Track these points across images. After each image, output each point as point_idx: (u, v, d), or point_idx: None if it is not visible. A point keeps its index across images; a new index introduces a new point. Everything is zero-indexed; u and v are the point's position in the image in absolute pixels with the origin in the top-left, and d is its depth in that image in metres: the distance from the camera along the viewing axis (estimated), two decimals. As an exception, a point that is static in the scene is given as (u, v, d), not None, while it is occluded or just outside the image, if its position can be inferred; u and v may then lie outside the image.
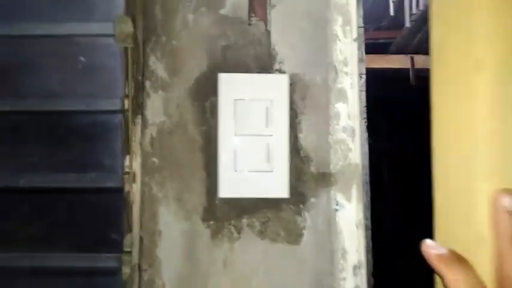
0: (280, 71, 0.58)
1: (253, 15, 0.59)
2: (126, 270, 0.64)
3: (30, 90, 0.69)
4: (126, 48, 0.65)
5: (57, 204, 0.68)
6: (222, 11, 0.59)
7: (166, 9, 0.60)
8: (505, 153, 0.30)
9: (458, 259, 0.31)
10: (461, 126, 0.32)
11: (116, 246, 0.66)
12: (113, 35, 0.65)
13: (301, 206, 0.57)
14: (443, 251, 0.31)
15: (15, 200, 0.69)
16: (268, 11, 0.59)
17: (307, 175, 0.57)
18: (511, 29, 0.31)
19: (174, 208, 0.57)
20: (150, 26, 0.60)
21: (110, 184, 0.67)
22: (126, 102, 0.65)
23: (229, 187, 0.56)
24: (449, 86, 0.33)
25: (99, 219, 0.67)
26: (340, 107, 0.57)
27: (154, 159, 0.58)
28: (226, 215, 0.57)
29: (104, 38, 0.67)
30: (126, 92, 0.65)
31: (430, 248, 0.32)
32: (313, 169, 0.57)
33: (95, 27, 0.68)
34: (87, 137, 0.68)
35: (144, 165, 0.58)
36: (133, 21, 0.64)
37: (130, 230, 0.65)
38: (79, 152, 0.68)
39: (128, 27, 0.64)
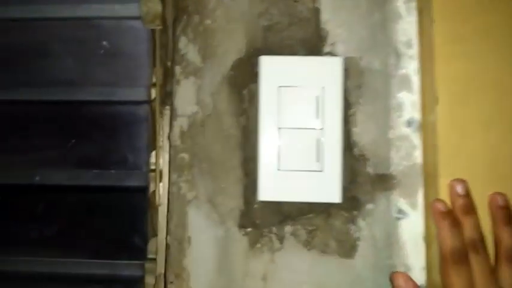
0: (332, 54, 0.50)
1: (300, -10, 0.51)
2: (149, 280, 0.57)
3: (46, 78, 0.62)
4: (153, 31, 0.58)
5: (75, 204, 0.62)
6: (264, -14, 0.51)
7: (200, -16, 0.52)
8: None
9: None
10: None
11: (138, 253, 0.59)
12: (139, 17, 0.58)
13: (355, 212, 0.48)
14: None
15: (30, 199, 0.62)
16: (317, -15, 0.51)
17: (363, 176, 0.48)
18: (460, 74, 0.45)
19: (206, 211, 0.49)
20: (181, 4, 0.53)
21: (134, 183, 0.59)
22: (153, 91, 0.57)
23: (270, 189, 0.48)
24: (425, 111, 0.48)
25: (121, 221, 0.60)
26: (403, 96, 0.49)
27: (184, 155, 0.50)
28: (267, 221, 0.49)
29: (128, 20, 0.60)
30: (154, 80, 0.58)
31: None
32: (370, 170, 0.48)
33: (118, 9, 0.61)
34: (109, 130, 0.61)
35: (172, 162, 0.51)
36: (164, 1, 0.57)
37: (155, 234, 0.57)
38: (100, 146, 0.61)
39: (156, 6, 0.56)
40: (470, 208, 0.42)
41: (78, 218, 0.61)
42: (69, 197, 0.61)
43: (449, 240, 0.41)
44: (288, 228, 0.49)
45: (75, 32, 0.62)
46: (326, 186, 0.47)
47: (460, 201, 0.42)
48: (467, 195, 0.43)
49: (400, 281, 0.43)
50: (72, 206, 0.61)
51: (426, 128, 0.48)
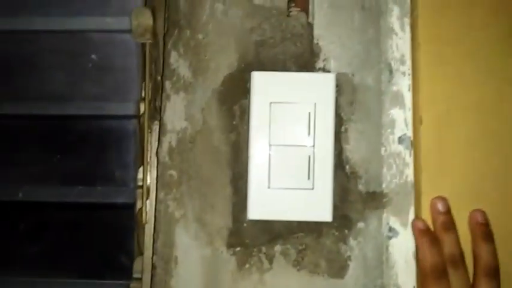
0: (325, 70, 0.49)
1: (293, 5, 0.50)
2: (135, 300, 0.55)
3: (32, 91, 0.61)
4: (144, 45, 0.57)
5: (59, 221, 0.60)
6: (257, 1, 0.51)
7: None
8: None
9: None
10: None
11: (124, 272, 0.57)
12: (129, 30, 0.57)
13: (346, 231, 0.47)
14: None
15: (13, 216, 0.60)
16: (310, 0, 0.50)
17: (354, 194, 0.47)
18: (443, 95, 0.46)
19: (194, 230, 0.48)
20: (172, 18, 0.52)
21: (121, 199, 0.58)
22: (142, 106, 0.56)
23: (260, 207, 0.46)
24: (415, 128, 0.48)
25: (107, 240, 0.59)
26: (395, 113, 0.48)
27: (172, 172, 0.49)
28: (256, 240, 0.47)
29: (118, 34, 0.59)
30: (143, 94, 0.57)
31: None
32: (361, 187, 0.47)
33: (108, 22, 0.60)
34: (96, 145, 0.60)
35: (160, 179, 0.49)
36: (153, 13, 0.56)
37: (141, 253, 0.55)
38: (86, 162, 0.60)
39: (146, 20, 0.56)
40: (450, 225, 0.44)
41: (63, 236, 0.60)
42: (53, 214, 0.60)
43: (429, 256, 0.42)
44: (277, 248, 0.47)
45: (64, 44, 0.61)
46: (317, 205, 0.46)
47: (440, 219, 0.44)
48: (448, 212, 0.44)
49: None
50: (56, 224, 0.60)
51: (416, 145, 0.47)
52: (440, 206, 0.44)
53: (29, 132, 0.61)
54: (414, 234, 0.45)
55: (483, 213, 0.44)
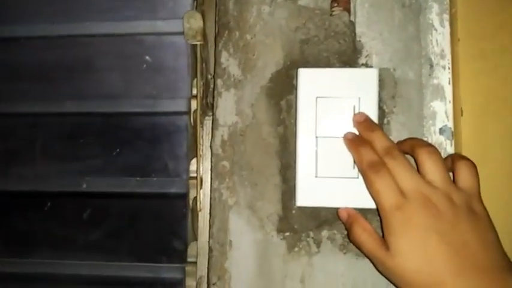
0: (367, 66, 0.52)
1: (336, 5, 0.53)
2: (190, 282, 0.59)
3: (92, 91, 0.67)
4: (194, 46, 0.62)
5: (119, 210, 0.65)
6: (301, 2, 0.54)
7: (240, 1, 0.55)
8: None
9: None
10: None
11: (179, 256, 0.62)
12: (180, 33, 0.62)
13: (390, 218, 0.50)
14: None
15: (77, 205, 0.66)
16: (352, 0, 0.53)
17: (397, 183, 0.50)
18: (483, 88, 0.49)
19: (246, 216, 0.52)
20: (222, 20, 0.56)
21: (174, 190, 0.63)
22: (194, 102, 0.61)
23: (308, 195, 0.50)
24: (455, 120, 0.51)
25: (162, 226, 0.63)
26: (436, 105, 0.50)
27: (225, 163, 0.53)
28: (304, 225, 0.51)
29: (170, 36, 0.64)
30: (194, 92, 0.62)
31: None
32: (404, 176, 0.50)
33: (161, 25, 0.65)
34: (150, 140, 0.64)
35: (213, 170, 0.53)
36: (203, 16, 0.60)
37: (195, 238, 0.60)
38: (142, 155, 0.64)
39: (197, 23, 0.60)
40: (373, 126, 0.46)
41: (122, 223, 0.65)
42: (113, 203, 0.65)
43: (363, 155, 0.44)
44: (324, 233, 0.51)
45: (119, 47, 0.66)
46: (361, 192, 0.48)
47: (362, 125, 0.47)
48: (367, 119, 0.47)
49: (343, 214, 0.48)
50: (116, 212, 0.65)
51: (457, 135, 0.49)
52: (358, 118, 0.48)
53: (89, 129, 0.66)
54: (347, 147, 0.47)
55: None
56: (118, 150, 0.65)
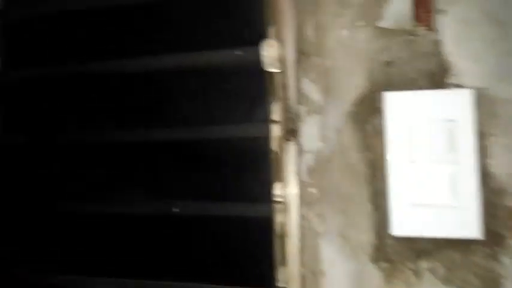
0: (458, 86, 0.49)
1: (419, 24, 0.51)
2: (279, 309, 0.59)
3: (174, 119, 0.69)
4: (274, 73, 0.62)
5: (205, 233, 0.66)
6: (381, 23, 0.53)
7: (318, 27, 0.55)
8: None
9: None
10: None
11: (266, 280, 0.62)
12: (259, 61, 0.62)
13: (496, 249, 0.47)
14: None
15: (167, 227, 0.68)
16: (436, 18, 0.51)
17: (502, 210, 0.47)
18: None
19: (337, 245, 0.51)
20: (301, 47, 0.56)
21: (259, 214, 0.63)
22: (275, 128, 0.61)
23: (404, 224, 0.48)
24: None
25: (248, 250, 0.64)
26: (542, 124, 0.47)
27: (313, 190, 0.53)
28: (401, 256, 0.49)
29: (250, 64, 0.64)
30: (275, 117, 0.62)
31: None
32: (510, 203, 0.47)
33: (239, 54, 0.66)
34: (234, 165, 0.65)
35: (301, 197, 0.53)
36: (282, 44, 0.60)
37: (283, 264, 0.59)
38: (227, 180, 0.65)
39: (275, 51, 0.60)
40: None
41: (209, 246, 0.66)
42: (200, 226, 0.66)
43: None
44: (424, 264, 0.48)
45: (199, 77, 0.68)
46: (463, 222, 0.46)
47: None
48: None
49: None
50: (203, 235, 0.66)
51: None
52: None
53: (175, 154, 0.69)
54: None
55: None
56: (202, 175, 0.66)
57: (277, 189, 0.60)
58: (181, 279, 0.66)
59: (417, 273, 0.48)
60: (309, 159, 0.53)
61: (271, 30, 0.62)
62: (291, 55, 0.59)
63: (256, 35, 0.63)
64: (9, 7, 0.78)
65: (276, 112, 0.61)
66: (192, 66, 0.68)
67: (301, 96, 0.55)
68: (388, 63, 0.52)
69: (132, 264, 0.69)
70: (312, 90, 0.55)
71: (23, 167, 0.75)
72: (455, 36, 0.50)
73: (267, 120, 0.63)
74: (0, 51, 0.78)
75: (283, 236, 0.59)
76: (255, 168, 0.63)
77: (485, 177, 0.47)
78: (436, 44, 0.51)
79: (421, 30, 0.51)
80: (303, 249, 0.52)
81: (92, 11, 0.74)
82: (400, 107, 0.49)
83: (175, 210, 0.66)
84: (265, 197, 0.62)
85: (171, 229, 0.66)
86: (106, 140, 0.70)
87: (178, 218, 0.66)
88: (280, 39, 0.60)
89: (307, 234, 0.52)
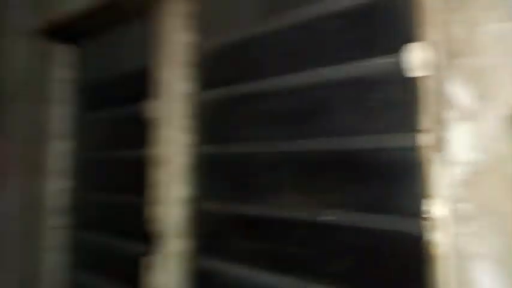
0: None
1: None
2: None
3: (325, 130, 0.72)
4: (422, 78, 0.58)
5: (354, 243, 0.67)
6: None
7: (468, 23, 0.50)
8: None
9: None
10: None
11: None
12: (406, 67, 0.60)
13: None
14: None
15: (317, 235, 0.71)
16: None
17: None
18: None
19: (497, 271, 0.46)
20: (450, 48, 0.51)
21: (408, 229, 0.60)
22: (423, 137, 0.57)
23: None
24: None
25: (396, 267, 0.62)
26: None
27: (466, 205, 0.48)
28: None
29: (397, 71, 0.62)
30: (423, 126, 0.58)
31: None
32: None
33: (382, 62, 0.64)
34: (382, 176, 0.64)
35: (453, 212, 0.49)
36: (430, 46, 0.56)
37: (433, 286, 0.56)
38: (374, 191, 0.65)
39: (423, 54, 0.57)
40: None
41: (358, 257, 0.66)
42: (348, 237, 0.67)
43: None
44: None
45: (349, 88, 0.69)
46: None
47: None
48: None
49: None
50: (357, 246, 0.67)
51: None
52: None
53: (324, 164, 0.72)
54: None
55: None
56: (352, 185, 0.68)
57: (427, 204, 0.56)
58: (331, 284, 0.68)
59: None
60: (460, 170, 0.49)
61: (419, 33, 0.58)
62: (439, 57, 0.55)
63: (404, 40, 0.61)
64: (202, 40, 0.94)
65: (424, 120, 0.58)
66: (343, 79, 0.69)
67: (451, 102, 0.51)
68: (558, 56, 0.44)
69: (288, 264, 0.75)
70: (463, 94, 0.50)
71: (216, 171, 0.90)
72: None
73: (415, 130, 0.60)
74: (198, 76, 0.95)
75: (434, 256, 0.55)
76: (404, 180, 0.61)
77: None
78: None
79: None
80: (454, 272, 0.48)
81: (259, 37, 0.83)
82: None
83: (329, 218, 0.69)
84: (415, 211, 0.59)
85: (320, 236, 0.70)
86: (275, 150, 0.78)
87: (328, 225, 0.68)
88: (427, 41, 0.56)
89: (458, 255, 0.48)
